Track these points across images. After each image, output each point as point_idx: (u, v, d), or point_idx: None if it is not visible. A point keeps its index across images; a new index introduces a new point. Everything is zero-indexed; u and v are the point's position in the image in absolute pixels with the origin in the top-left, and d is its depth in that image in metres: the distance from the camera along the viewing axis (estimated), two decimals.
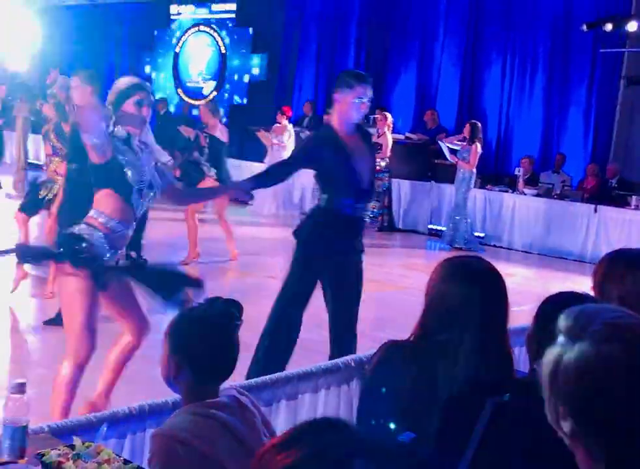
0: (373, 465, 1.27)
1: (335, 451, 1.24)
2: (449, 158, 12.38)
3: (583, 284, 3.20)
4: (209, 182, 9.10)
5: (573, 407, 1.50)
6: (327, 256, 5.07)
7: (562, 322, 1.58)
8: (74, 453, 2.32)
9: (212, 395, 2.40)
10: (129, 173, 4.18)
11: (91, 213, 4.23)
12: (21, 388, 2.35)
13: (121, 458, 2.35)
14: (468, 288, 2.70)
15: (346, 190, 5.06)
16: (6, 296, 7.91)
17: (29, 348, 6.51)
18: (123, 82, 4.44)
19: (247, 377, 4.37)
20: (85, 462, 2.28)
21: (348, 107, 5.04)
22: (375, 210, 13.45)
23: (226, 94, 18.83)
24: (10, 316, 7.23)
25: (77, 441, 2.40)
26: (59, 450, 2.34)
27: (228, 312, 2.46)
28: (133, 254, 8.77)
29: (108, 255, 4.17)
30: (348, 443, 1.26)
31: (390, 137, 13.28)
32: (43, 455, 2.31)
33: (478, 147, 12.11)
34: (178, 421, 2.34)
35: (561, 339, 1.56)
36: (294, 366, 3.49)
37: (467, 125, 12.41)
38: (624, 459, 1.47)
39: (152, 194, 4.39)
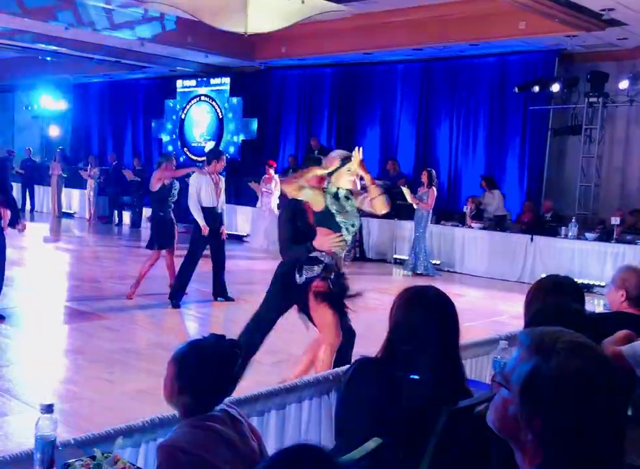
0: None
1: None
2: (410, 200, 12.36)
3: (522, 301, 3.18)
4: None
5: (549, 410, 1.46)
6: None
7: (527, 339, 1.54)
8: (95, 463, 2.26)
9: (206, 412, 2.34)
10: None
11: None
12: (49, 408, 2.29)
13: (135, 466, 2.29)
14: (427, 313, 2.68)
15: None
16: (42, 323, 7.83)
17: (64, 369, 6.42)
18: (338, 154, 5.02)
19: None
20: None
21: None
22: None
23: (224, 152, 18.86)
24: None
25: (97, 452, 2.34)
26: (82, 461, 2.28)
27: (233, 353, 2.39)
28: None
29: None
30: None
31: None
32: (69, 465, 2.25)
33: (434, 191, 12.13)
34: (180, 433, 2.28)
35: (527, 354, 1.52)
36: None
37: (424, 172, 12.36)
38: (586, 455, 1.43)
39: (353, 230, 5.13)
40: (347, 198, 5.26)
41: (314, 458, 1.26)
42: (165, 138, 20.42)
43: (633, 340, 3.01)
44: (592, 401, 1.43)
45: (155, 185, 9.26)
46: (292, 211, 5.23)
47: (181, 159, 19.37)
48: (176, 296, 8.90)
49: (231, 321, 8.15)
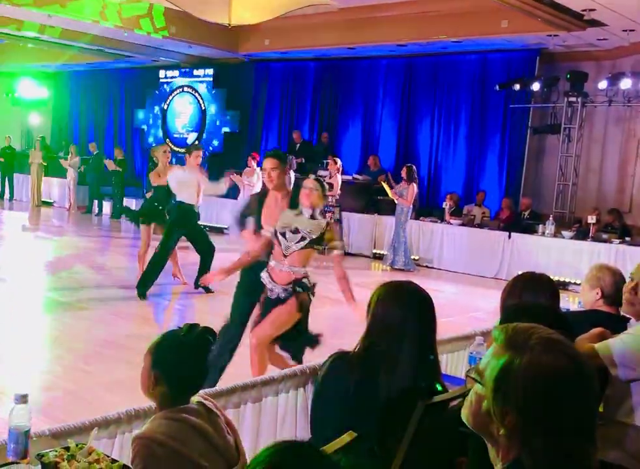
0: None
1: None
2: (390, 195, 12.39)
3: (499, 298, 3.19)
4: None
5: (521, 405, 1.46)
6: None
7: (501, 335, 1.54)
8: (69, 454, 2.24)
9: (182, 404, 2.33)
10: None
11: None
12: (23, 398, 2.27)
13: (109, 458, 2.27)
14: (405, 308, 2.68)
15: None
16: (20, 313, 7.77)
17: (42, 359, 6.37)
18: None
19: None
20: (78, 462, 2.20)
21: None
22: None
23: (205, 143, 18.78)
24: None
25: (71, 443, 2.32)
26: (56, 451, 2.26)
27: (204, 338, 2.38)
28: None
29: None
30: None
31: (339, 178, 13.27)
32: (42, 456, 2.23)
33: (414, 187, 12.15)
34: (155, 425, 2.27)
35: (500, 349, 1.52)
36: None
37: (404, 168, 12.39)
38: (559, 450, 1.44)
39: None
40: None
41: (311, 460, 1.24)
42: (147, 128, 20.29)
43: (606, 338, 3.03)
44: (564, 397, 1.44)
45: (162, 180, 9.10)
46: (260, 198, 5.33)
47: None
48: (143, 285, 8.72)
49: (210, 313, 8.10)
